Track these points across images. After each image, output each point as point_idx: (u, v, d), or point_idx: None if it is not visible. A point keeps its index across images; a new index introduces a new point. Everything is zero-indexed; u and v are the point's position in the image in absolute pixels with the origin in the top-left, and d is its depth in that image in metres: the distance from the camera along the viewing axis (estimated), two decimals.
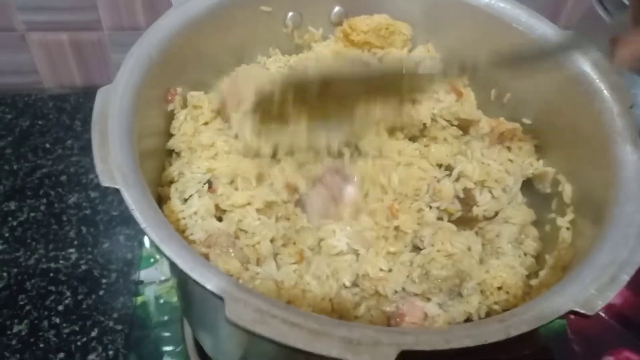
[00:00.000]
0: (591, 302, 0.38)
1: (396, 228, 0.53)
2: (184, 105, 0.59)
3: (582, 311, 0.37)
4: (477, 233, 0.56)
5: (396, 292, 0.51)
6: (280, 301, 0.35)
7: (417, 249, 0.54)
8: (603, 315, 0.75)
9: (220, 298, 0.35)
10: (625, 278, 0.39)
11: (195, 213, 0.52)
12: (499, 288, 0.52)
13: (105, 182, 0.40)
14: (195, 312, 0.54)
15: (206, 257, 0.47)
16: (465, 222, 0.56)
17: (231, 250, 0.47)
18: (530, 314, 0.37)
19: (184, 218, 0.52)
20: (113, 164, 0.42)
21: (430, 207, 0.55)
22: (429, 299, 0.51)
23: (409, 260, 0.52)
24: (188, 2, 0.57)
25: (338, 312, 0.48)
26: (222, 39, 0.61)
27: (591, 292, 0.39)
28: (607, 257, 0.41)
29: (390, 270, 0.51)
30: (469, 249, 0.53)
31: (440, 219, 0.55)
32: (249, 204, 0.52)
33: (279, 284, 0.47)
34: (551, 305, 0.38)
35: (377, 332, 0.34)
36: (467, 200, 0.55)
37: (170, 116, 0.58)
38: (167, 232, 0.38)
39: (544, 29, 0.60)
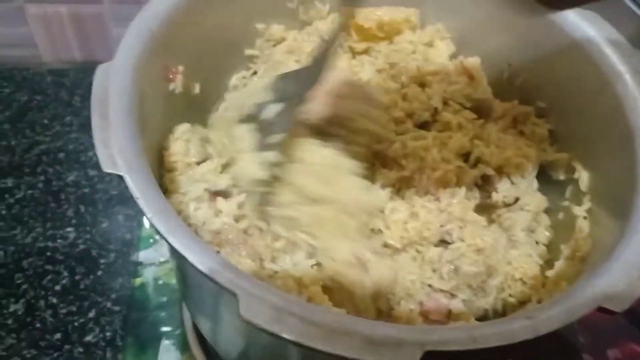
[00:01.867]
0: (621, 298, 0.37)
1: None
2: (187, 85, 0.56)
3: (611, 308, 0.36)
4: (494, 220, 0.54)
5: (422, 288, 0.50)
6: (297, 297, 0.33)
7: (444, 242, 0.52)
8: None
9: (233, 294, 0.33)
10: None
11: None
12: (519, 279, 0.51)
13: (107, 168, 0.38)
14: (194, 298, 0.52)
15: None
16: (483, 209, 0.54)
17: (242, 248, 0.45)
18: (558, 309, 0.36)
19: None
20: (115, 148, 0.39)
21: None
22: (454, 296, 0.50)
23: (437, 256, 0.50)
24: None
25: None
26: (227, 14, 0.58)
27: (621, 287, 0.37)
28: (636, 251, 0.40)
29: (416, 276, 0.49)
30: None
31: None
32: None
33: (297, 280, 0.45)
34: (579, 301, 0.36)
35: (400, 331, 0.33)
36: (486, 186, 0.53)
37: (172, 96, 0.55)
38: (174, 223, 0.36)
39: None
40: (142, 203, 0.36)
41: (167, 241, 0.36)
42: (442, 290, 0.49)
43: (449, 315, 0.47)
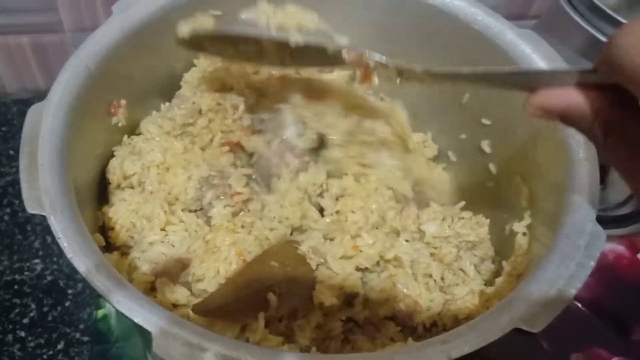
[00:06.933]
0: (537, 319, 0.37)
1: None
2: (129, 118, 0.57)
3: (527, 328, 0.36)
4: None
5: None
6: (212, 333, 0.33)
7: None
8: (578, 304, 0.74)
9: (148, 331, 0.33)
10: (573, 292, 0.38)
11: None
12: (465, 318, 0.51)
13: (31, 209, 0.38)
14: (141, 332, 0.52)
15: (152, 285, 0.46)
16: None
17: (180, 277, 0.45)
18: (474, 333, 0.36)
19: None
20: (41, 189, 0.40)
21: None
22: None
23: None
24: (129, 10, 0.54)
25: None
26: (169, 47, 0.58)
27: (537, 308, 0.37)
28: (556, 269, 0.40)
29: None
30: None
31: None
32: None
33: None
34: (496, 324, 0.36)
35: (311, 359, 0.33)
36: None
37: (115, 129, 0.56)
38: (95, 262, 0.37)
39: (500, 28, 0.58)
40: (63, 243, 0.37)
41: (88, 280, 0.36)
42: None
43: None
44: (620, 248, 0.81)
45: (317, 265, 0.49)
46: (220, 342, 0.33)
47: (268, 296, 0.45)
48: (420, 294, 0.49)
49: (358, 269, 0.50)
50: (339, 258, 0.49)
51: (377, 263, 0.50)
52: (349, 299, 0.50)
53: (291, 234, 0.54)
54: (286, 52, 0.50)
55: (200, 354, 0.32)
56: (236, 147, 0.56)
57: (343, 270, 0.48)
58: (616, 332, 0.74)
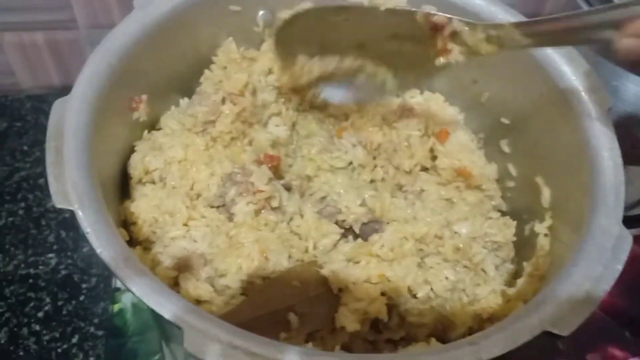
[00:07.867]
0: (566, 321, 0.37)
1: None
2: (150, 113, 0.57)
3: (556, 331, 0.36)
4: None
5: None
6: (242, 330, 0.34)
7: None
8: None
9: (179, 328, 0.33)
10: (601, 295, 0.38)
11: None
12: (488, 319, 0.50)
13: (59, 204, 0.38)
14: (162, 326, 0.52)
15: (175, 280, 0.46)
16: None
17: (202, 273, 0.45)
18: (503, 335, 0.36)
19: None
20: (68, 183, 0.40)
21: None
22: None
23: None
24: (150, 5, 0.54)
25: None
26: (189, 43, 0.59)
27: (566, 311, 0.37)
28: (583, 272, 0.40)
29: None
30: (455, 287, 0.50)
31: None
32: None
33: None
34: (525, 326, 0.36)
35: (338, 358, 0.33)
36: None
37: (136, 125, 0.56)
38: (123, 256, 0.37)
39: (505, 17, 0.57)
40: (91, 238, 0.37)
41: (114, 274, 0.36)
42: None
43: None
44: (635, 248, 0.80)
45: (340, 288, 0.49)
46: (250, 339, 0.33)
47: (288, 316, 0.45)
48: (455, 314, 0.48)
49: (384, 294, 0.48)
50: (363, 282, 0.48)
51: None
52: (375, 323, 0.49)
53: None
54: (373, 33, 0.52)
55: (231, 351, 0.32)
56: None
57: (368, 296, 0.47)
58: (631, 332, 0.74)
